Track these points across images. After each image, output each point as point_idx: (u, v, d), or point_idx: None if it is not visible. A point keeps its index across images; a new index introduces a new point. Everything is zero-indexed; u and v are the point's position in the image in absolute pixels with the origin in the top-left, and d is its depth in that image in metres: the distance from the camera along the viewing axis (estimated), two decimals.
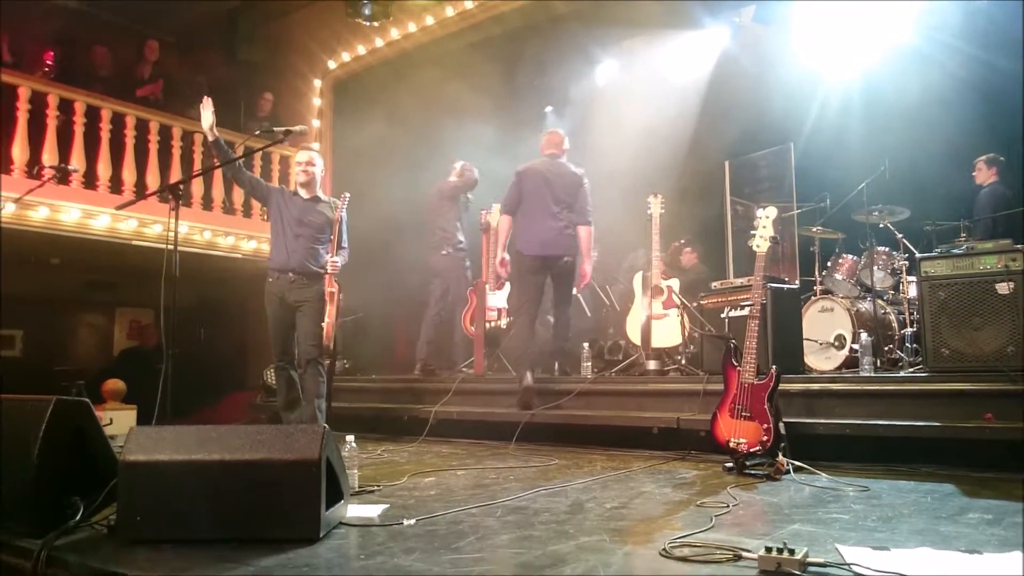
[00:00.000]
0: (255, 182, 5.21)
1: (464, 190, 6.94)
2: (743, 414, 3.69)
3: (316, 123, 8.90)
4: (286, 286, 4.95)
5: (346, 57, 8.64)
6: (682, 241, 7.44)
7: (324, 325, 4.99)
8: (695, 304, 5.48)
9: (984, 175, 6.29)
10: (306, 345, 4.95)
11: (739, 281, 5.30)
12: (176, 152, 7.66)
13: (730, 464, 3.73)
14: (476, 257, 7.01)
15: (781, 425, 3.64)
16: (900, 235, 5.86)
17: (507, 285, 6.75)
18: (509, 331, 6.62)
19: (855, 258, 6.09)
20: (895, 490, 3.23)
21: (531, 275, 5.44)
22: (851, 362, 5.23)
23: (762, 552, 2.01)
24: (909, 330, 5.40)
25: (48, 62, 7.81)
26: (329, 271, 5.00)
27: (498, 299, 6.68)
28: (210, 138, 4.77)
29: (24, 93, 6.58)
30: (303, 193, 5.09)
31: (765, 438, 3.60)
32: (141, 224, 7.18)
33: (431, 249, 6.75)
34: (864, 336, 4.97)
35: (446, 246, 6.71)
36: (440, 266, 6.73)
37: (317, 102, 8.95)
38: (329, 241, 5.08)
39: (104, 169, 7.04)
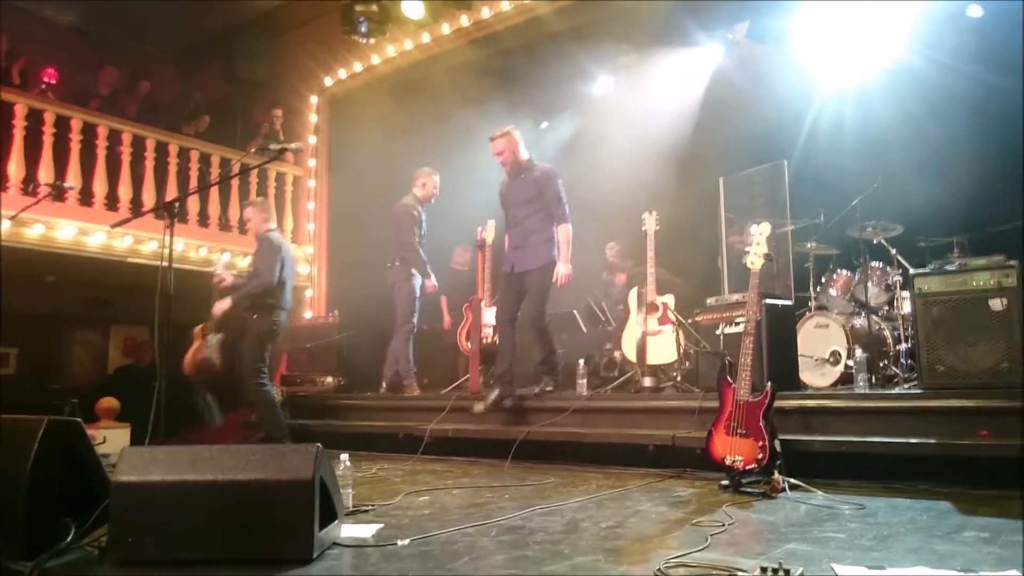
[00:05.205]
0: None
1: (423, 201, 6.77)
2: (739, 431, 3.68)
3: (312, 140, 8.93)
4: None
5: (342, 74, 8.67)
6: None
7: None
8: (690, 320, 5.48)
9: None
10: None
11: (734, 298, 5.30)
12: (172, 169, 7.66)
13: (726, 482, 3.72)
14: (472, 273, 6.99)
15: (777, 442, 3.64)
16: (894, 251, 5.87)
17: None
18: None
19: (850, 274, 6.08)
20: (891, 508, 3.22)
21: None
22: (846, 378, 5.20)
23: (757, 572, 2.02)
24: (904, 346, 5.40)
25: (46, 80, 7.84)
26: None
27: (493, 315, 6.65)
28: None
29: (20, 111, 6.59)
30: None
31: (761, 455, 3.59)
32: (137, 241, 7.18)
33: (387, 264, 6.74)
34: (859, 352, 4.96)
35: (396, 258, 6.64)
36: (390, 279, 6.69)
37: (314, 119, 8.97)
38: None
39: (100, 186, 7.04)
